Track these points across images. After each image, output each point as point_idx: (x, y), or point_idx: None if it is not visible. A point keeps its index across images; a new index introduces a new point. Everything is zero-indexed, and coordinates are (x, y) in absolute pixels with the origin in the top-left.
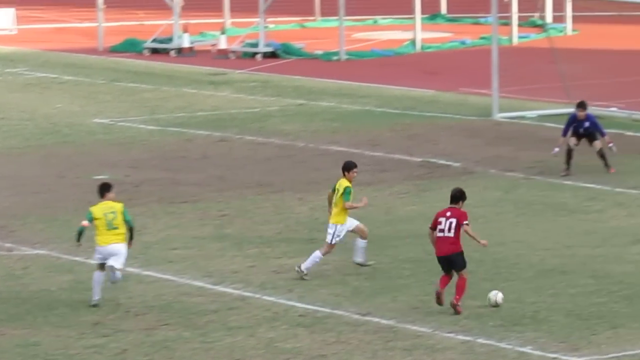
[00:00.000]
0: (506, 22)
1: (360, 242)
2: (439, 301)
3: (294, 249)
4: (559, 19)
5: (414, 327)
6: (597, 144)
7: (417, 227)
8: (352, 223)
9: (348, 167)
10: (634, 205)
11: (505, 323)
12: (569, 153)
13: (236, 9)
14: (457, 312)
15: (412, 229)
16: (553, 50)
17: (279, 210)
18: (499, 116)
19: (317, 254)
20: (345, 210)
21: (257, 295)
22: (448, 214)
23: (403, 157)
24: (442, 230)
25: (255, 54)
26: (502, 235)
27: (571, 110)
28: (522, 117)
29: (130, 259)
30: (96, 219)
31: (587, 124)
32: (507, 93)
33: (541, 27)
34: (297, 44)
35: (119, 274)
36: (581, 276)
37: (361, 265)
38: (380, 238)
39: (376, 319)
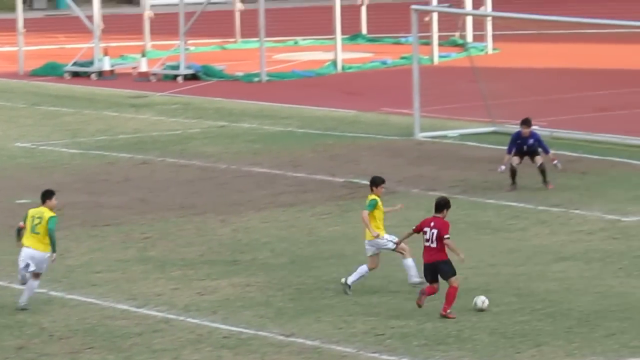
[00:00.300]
0: (427, 42)
1: (364, 268)
2: (420, 302)
3: (217, 271)
4: (479, 38)
5: (339, 348)
6: (539, 159)
7: (340, 248)
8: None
9: (375, 183)
10: (556, 223)
11: (430, 342)
12: (513, 171)
13: (156, 32)
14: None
15: (335, 249)
16: (474, 69)
17: (201, 232)
18: (420, 136)
19: (410, 262)
20: (376, 220)
21: (181, 318)
22: (432, 224)
23: (325, 178)
24: (427, 240)
25: (176, 76)
26: None
27: (492, 129)
28: (444, 137)
29: (53, 282)
30: (26, 220)
31: (531, 141)
32: (428, 112)
33: (462, 46)
34: (218, 66)
35: (32, 287)
36: (505, 294)
37: (346, 286)
38: (303, 259)
39: (300, 340)
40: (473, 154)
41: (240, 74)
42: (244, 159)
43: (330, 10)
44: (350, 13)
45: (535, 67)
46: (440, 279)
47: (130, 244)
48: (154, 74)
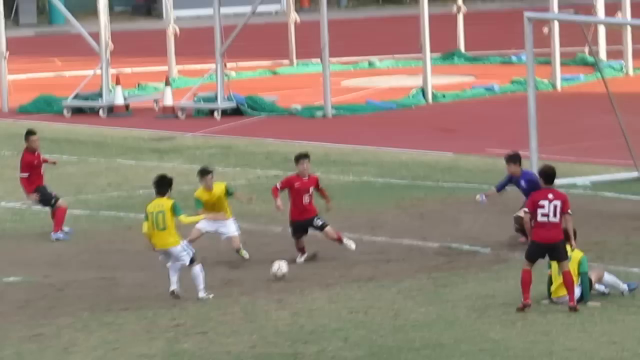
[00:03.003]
0: (546, 60)
1: None
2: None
3: None
4: (616, 54)
5: None
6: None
7: (436, 335)
8: None
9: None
10: None
11: None
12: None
13: (185, 52)
14: None
15: (429, 337)
16: (610, 95)
17: (249, 316)
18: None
19: None
20: None
21: None
22: (550, 195)
23: (414, 242)
24: (545, 215)
25: (212, 111)
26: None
27: (637, 175)
28: (572, 185)
29: None
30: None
31: (522, 183)
32: (550, 154)
33: (593, 65)
34: (268, 97)
35: None
36: None
37: None
38: (386, 350)
39: None
40: (611, 209)
41: (297, 107)
42: None
43: (416, 20)
44: (443, 24)
45: None
46: None
47: (157, 334)
48: (182, 109)
